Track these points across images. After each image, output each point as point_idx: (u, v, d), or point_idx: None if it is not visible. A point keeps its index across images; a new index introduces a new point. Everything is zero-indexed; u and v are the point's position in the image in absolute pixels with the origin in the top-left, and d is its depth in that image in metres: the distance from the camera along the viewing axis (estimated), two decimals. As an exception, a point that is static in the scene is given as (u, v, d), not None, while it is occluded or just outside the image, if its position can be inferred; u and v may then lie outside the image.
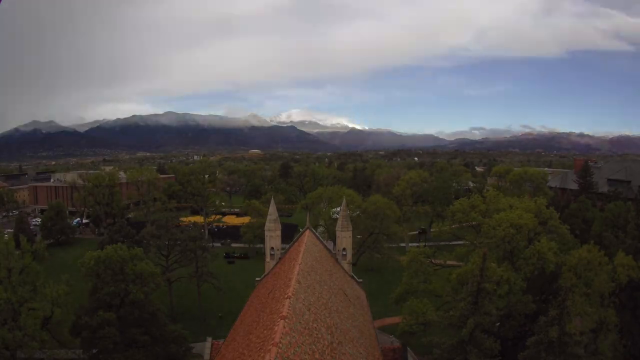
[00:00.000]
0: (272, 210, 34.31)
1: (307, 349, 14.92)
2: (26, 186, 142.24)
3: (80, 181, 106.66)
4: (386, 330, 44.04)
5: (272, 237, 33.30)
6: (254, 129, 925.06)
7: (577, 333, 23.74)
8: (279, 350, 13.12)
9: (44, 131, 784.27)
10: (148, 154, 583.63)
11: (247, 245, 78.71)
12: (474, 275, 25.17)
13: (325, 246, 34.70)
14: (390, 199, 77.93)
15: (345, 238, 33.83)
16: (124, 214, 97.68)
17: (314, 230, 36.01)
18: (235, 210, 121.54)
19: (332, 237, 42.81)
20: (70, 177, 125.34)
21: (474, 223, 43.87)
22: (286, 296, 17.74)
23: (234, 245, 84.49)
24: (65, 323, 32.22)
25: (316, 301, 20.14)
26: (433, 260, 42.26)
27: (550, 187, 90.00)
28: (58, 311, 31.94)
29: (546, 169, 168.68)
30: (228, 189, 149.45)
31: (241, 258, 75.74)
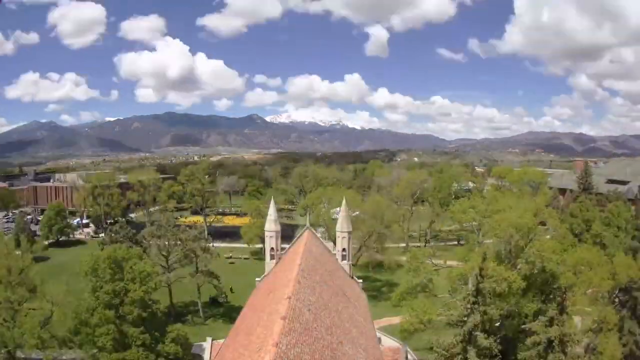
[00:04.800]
0: (272, 211, 34.30)
1: (307, 349, 14.93)
2: (26, 186, 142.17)
3: (80, 181, 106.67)
4: (386, 330, 44.03)
5: (272, 238, 33.27)
6: (254, 128, 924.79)
7: (577, 333, 23.78)
8: (279, 351, 13.12)
9: (44, 131, 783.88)
10: (148, 154, 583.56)
11: (247, 246, 78.71)
12: (474, 275, 25.20)
13: (325, 246, 34.69)
14: (389, 199, 77.94)
15: (345, 238, 33.79)
16: (124, 214, 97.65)
17: (314, 231, 36.00)
18: (236, 210, 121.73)
19: (332, 238, 42.83)
20: (70, 177, 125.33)
21: (474, 223, 43.98)
22: (286, 296, 17.74)
23: (234, 245, 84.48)
24: (65, 322, 32.21)
25: (316, 301, 20.13)
26: (433, 261, 42.31)
27: (550, 188, 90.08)
28: (57, 311, 31.95)
29: (546, 169, 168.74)
30: (228, 189, 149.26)
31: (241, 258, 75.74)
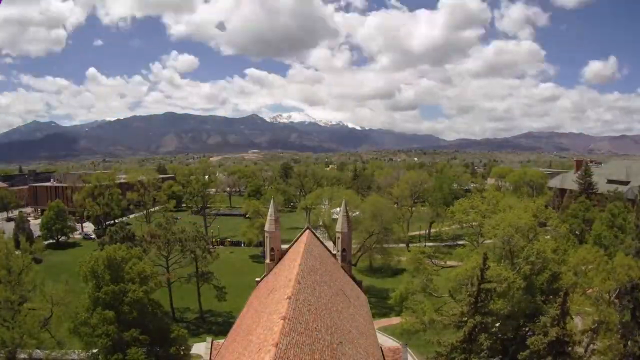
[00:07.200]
0: (272, 211, 34.23)
1: (307, 349, 14.90)
2: (26, 187, 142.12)
3: (80, 182, 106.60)
4: (386, 330, 44.06)
5: (272, 238, 33.21)
6: (254, 129, 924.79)
7: (577, 333, 23.75)
8: (279, 351, 13.10)
9: (44, 131, 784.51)
10: (148, 154, 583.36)
11: (247, 247, 78.81)
12: (475, 276, 25.17)
13: (325, 246, 34.63)
14: (389, 199, 77.98)
15: (345, 238, 33.75)
16: (124, 214, 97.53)
17: (314, 231, 35.95)
18: (236, 211, 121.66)
19: (332, 238, 42.84)
20: (70, 177, 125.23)
21: (474, 224, 43.95)
22: (286, 297, 17.71)
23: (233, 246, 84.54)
24: (65, 323, 32.21)
25: (316, 302, 20.10)
26: (434, 261, 42.27)
27: (550, 188, 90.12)
28: (57, 311, 31.91)
29: (546, 169, 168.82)
30: (228, 189, 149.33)
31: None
